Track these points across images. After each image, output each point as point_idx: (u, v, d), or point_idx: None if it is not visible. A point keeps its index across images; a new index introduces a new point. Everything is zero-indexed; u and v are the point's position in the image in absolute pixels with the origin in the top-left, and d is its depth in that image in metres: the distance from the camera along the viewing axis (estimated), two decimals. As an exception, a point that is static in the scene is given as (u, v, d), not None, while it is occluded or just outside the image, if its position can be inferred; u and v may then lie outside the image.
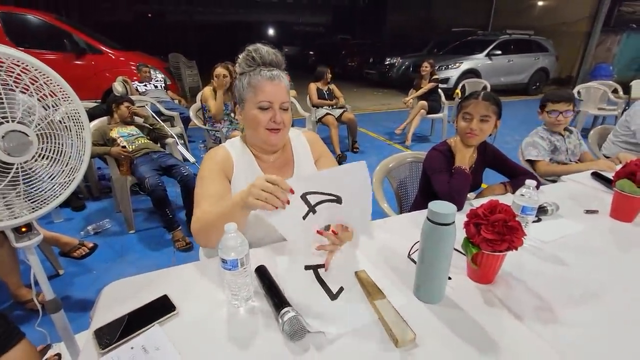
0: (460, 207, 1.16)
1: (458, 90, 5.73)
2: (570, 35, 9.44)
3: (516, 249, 0.73)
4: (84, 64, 4.60)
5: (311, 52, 16.52)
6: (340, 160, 3.64)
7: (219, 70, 2.96)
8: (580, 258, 0.91)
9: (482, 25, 10.97)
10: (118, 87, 3.77)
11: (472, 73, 7.99)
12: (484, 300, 0.75)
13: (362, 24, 18.93)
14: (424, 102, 4.39)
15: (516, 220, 0.72)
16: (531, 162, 1.78)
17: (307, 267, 0.85)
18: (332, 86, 4.13)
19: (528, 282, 0.81)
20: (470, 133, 1.28)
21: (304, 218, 0.74)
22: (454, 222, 0.67)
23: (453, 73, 7.90)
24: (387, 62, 10.06)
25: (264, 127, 0.94)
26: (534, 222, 1.09)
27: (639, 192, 1.02)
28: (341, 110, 3.97)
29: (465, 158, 1.28)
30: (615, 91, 5.16)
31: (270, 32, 21.86)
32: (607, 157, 2.15)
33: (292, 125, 3.71)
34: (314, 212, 0.74)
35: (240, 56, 0.94)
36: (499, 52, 8.13)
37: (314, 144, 1.13)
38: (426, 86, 4.50)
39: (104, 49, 4.72)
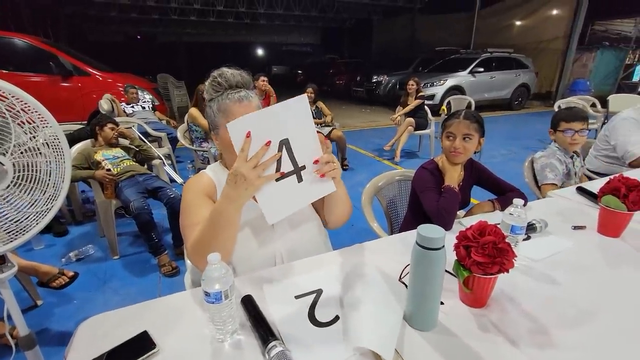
0: (449, 227, 1.16)
1: (444, 107, 5.86)
2: (548, 52, 9.86)
3: (507, 271, 0.72)
4: (70, 86, 4.57)
5: (299, 71, 16.82)
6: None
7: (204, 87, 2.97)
8: (571, 276, 0.91)
9: (464, 44, 11.38)
10: (104, 104, 3.74)
11: (457, 90, 8.22)
12: (477, 326, 0.73)
13: (349, 43, 19.44)
14: (411, 119, 4.47)
15: (506, 242, 0.71)
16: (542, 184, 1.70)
17: (297, 297, 0.82)
18: (320, 104, 4.18)
19: (522, 304, 0.80)
20: (454, 152, 1.29)
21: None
22: (443, 246, 0.66)
23: (438, 90, 8.11)
24: (374, 80, 10.29)
25: None
26: (523, 240, 1.08)
27: (624, 207, 1.03)
28: (330, 128, 4.00)
29: (454, 177, 1.29)
30: (593, 105, 5.36)
31: (259, 52, 22.30)
32: (592, 172, 2.20)
33: None
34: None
35: (206, 82, 0.94)
36: (482, 69, 8.41)
37: None
38: (413, 103, 4.60)
39: (91, 70, 4.70)
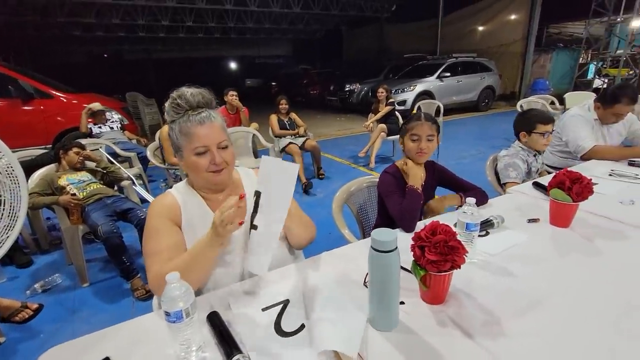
0: (412, 229, 1.20)
1: (415, 112, 6.05)
2: (508, 55, 10.40)
3: (459, 267, 0.76)
4: (32, 109, 4.39)
5: (273, 83, 16.90)
6: (306, 187, 3.66)
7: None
8: (525, 268, 0.96)
9: (431, 50, 11.83)
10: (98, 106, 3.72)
11: (426, 94, 8.50)
12: (436, 322, 0.76)
13: (321, 54, 19.75)
14: (383, 125, 4.58)
15: (457, 240, 0.76)
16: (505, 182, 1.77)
17: (264, 309, 0.83)
18: (293, 116, 4.21)
19: (478, 298, 0.84)
20: (420, 152, 1.36)
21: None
22: (396, 247, 0.69)
23: (409, 95, 8.35)
24: (347, 89, 10.48)
25: (205, 170, 0.92)
26: (481, 236, 1.14)
27: (570, 199, 1.11)
28: (304, 139, 4.03)
29: (417, 177, 1.33)
30: (552, 103, 5.69)
31: (232, 66, 22.26)
32: (549, 167, 2.33)
33: (257, 157, 3.72)
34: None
35: (167, 104, 0.92)
36: (448, 74, 8.76)
37: None
38: (384, 110, 4.72)
39: (55, 93, 4.54)
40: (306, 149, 4.01)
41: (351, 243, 1.29)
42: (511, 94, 10.38)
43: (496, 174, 1.89)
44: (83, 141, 3.26)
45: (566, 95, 5.35)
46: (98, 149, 3.31)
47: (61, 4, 10.32)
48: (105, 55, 18.64)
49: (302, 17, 15.65)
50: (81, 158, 2.32)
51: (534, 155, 1.85)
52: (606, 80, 9.10)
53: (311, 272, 0.99)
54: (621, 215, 1.23)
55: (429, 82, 8.63)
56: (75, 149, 2.31)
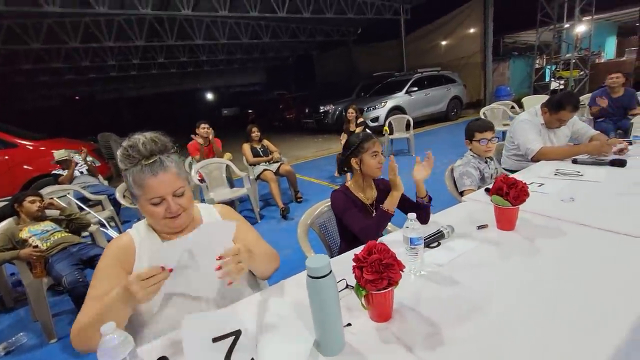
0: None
1: (386, 127, 6.24)
2: (470, 66, 10.97)
3: (396, 283, 0.79)
4: (-5, 160, 4.29)
5: (250, 111, 17.10)
6: (284, 213, 3.66)
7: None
8: (470, 275, 1.00)
9: (398, 68, 12.33)
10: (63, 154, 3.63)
11: (398, 109, 8.79)
12: (381, 340, 0.78)
13: (295, 78, 20.26)
14: (354, 144, 4.69)
15: (391, 257, 0.79)
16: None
17: (215, 339, 0.83)
18: (266, 142, 4.27)
19: (423, 310, 0.87)
20: (381, 166, 1.43)
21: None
22: (330, 272, 0.72)
23: (381, 112, 8.61)
24: (322, 110, 10.71)
25: (162, 218, 0.94)
26: (434, 247, 1.19)
27: (509, 203, 1.18)
28: (278, 164, 4.07)
29: (395, 202, 1.36)
30: (513, 107, 5.99)
31: (208, 97, 22.45)
32: (507, 170, 2.44)
33: (233, 186, 3.69)
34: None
35: (118, 153, 0.92)
36: (416, 88, 9.12)
37: (226, 217, 1.13)
38: (357, 131, 4.86)
39: (19, 141, 4.47)
40: (281, 174, 4.05)
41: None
42: (477, 101, 10.87)
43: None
44: (49, 189, 3.20)
45: (524, 100, 5.67)
46: (66, 195, 3.25)
47: (26, 51, 10.28)
48: (77, 98, 18.48)
49: (273, 46, 16.13)
50: (40, 207, 2.26)
51: (485, 162, 1.95)
52: (562, 82, 9.68)
53: (272, 299, 0.99)
54: (561, 212, 1.31)
55: (399, 98, 8.94)
56: (29, 199, 2.25)
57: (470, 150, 1.97)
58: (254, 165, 4.05)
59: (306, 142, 9.57)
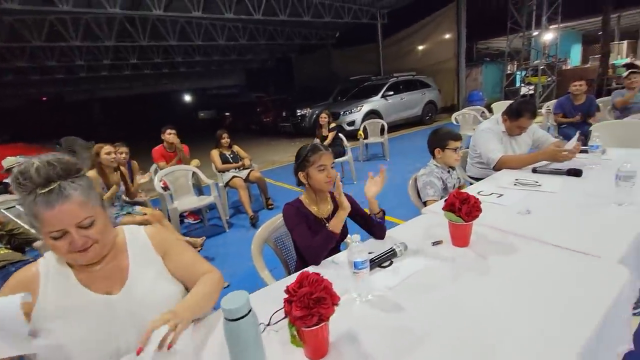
0: (317, 262, 1.19)
1: (360, 132, 6.24)
2: (445, 71, 11.21)
3: (327, 319, 0.72)
4: (-60, 168, 3.94)
5: (227, 113, 16.81)
6: (253, 221, 3.55)
7: (107, 148, 2.78)
8: (417, 299, 0.95)
9: (375, 72, 12.45)
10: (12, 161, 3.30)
11: (374, 113, 8.84)
12: (312, 382, 0.72)
13: (274, 81, 20.11)
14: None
15: (324, 290, 0.72)
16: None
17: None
18: (236, 148, 4.15)
19: (363, 342, 0.80)
20: (330, 181, 1.36)
21: None
22: (249, 311, 0.64)
23: (357, 116, 8.64)
24: (299, 114, 10.65)
25: (67, 253, 0.82)
26: (385, 267, 1.13)
27: (461, 220, 1.14)
28: (248, 171, 3.96)
29: (341, 222, 1.30)
30: (483, 113, 6.12)
31: (185, 99, 21.93)
32: (472, 178, 2.44)
33: (202, 194, 3.53)
34: None
35: (9, 180, 0.82)
36: (392, 92, 9.22)
37: (157, 239, 1.03)
38: (330, 136, 4.82)
39: (-32, 147, 4.14)
40: (251, 181, 3.94)
41: (268, 286, 1.22)
42: (451, 106, 11.11)
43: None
44: (-5, 200, 2.96)
45: (493, 105, 5.80)
46: (14, 207, 3.02)
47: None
48: (44, 99, 17.59)
49: (251, 48, 15.94)
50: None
51: (448, 172, 1.93)
52: (531, 88, 10.03)
53: (211, 326, 0.91)
54: (516, 226, 1.29)
55: (375, 102, 9.01)
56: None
57: (435, 159, 1.95)
58: (223, 172, 3.93)
59: (283, 146, 9.47)
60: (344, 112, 8.77)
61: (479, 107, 6.32)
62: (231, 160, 3.99)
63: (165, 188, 3.53)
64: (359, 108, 8.75)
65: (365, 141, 6.19)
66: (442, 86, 10.80)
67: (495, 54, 13.77)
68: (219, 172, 3.95)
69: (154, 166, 3.97)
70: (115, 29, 9.94)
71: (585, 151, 1.99)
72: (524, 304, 0.88)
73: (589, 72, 10.34)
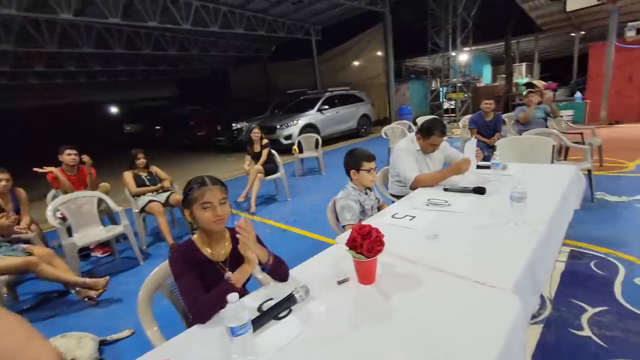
0: (204, 321, 1.01)
1: (295, 147, 6.16)
2: (377, 86, 11.81)
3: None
4: None
5: (158, 127, 15.63)
6: (172, 250, 3.20)
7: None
8: (314, 357, 0.83)
9: (312, 85, 12.63)
10: None
11: (311, 127, 8.89)
12: None
13: (210, 93, 19.33)
14: (259, 167, 4.46)
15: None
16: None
17: None
18: (154, 169, 3.75)
19: None
20: (218, 219, 1.19)
21: None
22: None
23: (294, 129, 8.59)
24: (235, 128, 10.29)
25: None
26: (282, 317, 0.99)
27: (363, 257, 1.06)
28: (167, 194, 3.59)
29: (244, 277, 1.15)
30: (410, 127, 6.46)
31: (108, 111, 19.94)
32: (393, 196, 2.47)
33: (115, 223, 3.07)
34: None
35: None
36: (327, 106, 9.38)
37: None
38: (264, 153, 4.64)
39: None
40: (172, 205, 3.58)
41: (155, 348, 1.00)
42: (384, 119, 11.71)
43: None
44: None
45: (417, 120, 6.16)
46: None
47: None
48: None
49: (183, 58, 15.15)
50: None
51: (366, 193, 1.89)
52: (451, 103, 11.02)
53: None
54: (423, 254, 1.26)
55: (311, 116, 9.07)
56: None
57: (352, 181, 1.90)
58: (138, 196, 3.51)
59: (218, 161, 9.02)
60: (281, 126, 8.67)
61: (405, 121, 6.67)
62: (147, 183, 3.59)
63: (63, 219, 3.02)
64: (295, 122, 8.72)
65: (300, 156, 6.13)
66: (375, 100, 11.34)
67: (421, 72, 14.94)
68: (133, 196, 3.52)
69: (51, 192, 3.41)
70: (14, 32, 8.67)
71: (489, 167, 2.11)
72: (423, 347, 0.81)
73: (498, 89, 11.72)
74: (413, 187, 2.14)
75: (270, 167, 4.64)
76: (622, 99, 7.66)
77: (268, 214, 4.23)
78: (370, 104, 10.64)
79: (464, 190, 1.90)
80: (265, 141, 4.76)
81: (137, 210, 3.45)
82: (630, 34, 7.32)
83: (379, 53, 11.77)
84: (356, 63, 12.81)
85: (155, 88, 19.67)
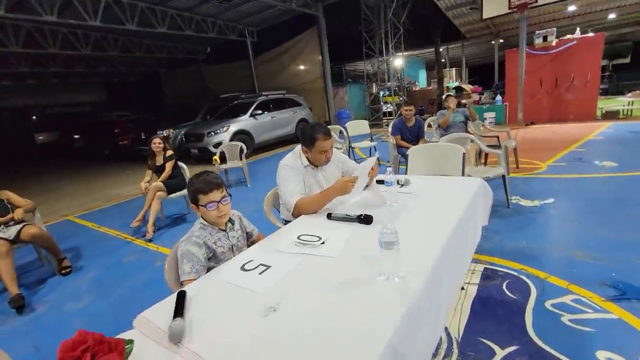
0: None
1: (216, 157, 5.55)
2: (315, 90, 11.54)
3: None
4: None
5: (76, 136, 13.79)
6: (13, 304, 2.42)
7: None
8: None
9: (249, 89, 11.99)
10: None
11: (243, 134, 8.29)
12: None
13: (140, 98, 17.74)
14: (158, 184, 3.81)
15: None
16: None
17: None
18: (7, 195, 2.94)
19: None
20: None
21: None
22: None
23: (224, 136, 7.92)
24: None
25: None
26: None
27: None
28: (19, 227, 2.80)
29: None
30: (341, 132, 6.17)
31: (17, 118, 17.30)
32: (287, 222, 2.03)
33: None
34: None
35: None
36: (260, 111, 8.84)
37: None
38: (167, 167, 3.98)
39: None
40: (24, 240, 2.79)
41: None
42: (325, 122, 11.47)
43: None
44: None
45: (347, 125, 5.91)
46: None
47: None
48: None
49: (105, 59, 13.62)
50: None
51: (224, 229, 1.44)
52: (389, 106, 11.11)
53: None
54: (246, 342, 0.81)
55: (244, 121, 8.47)
56: None
57: (200, 219, 1.43)
58: (-26, 233, 2.69)
59: (140, 174, 7.99)
60: (209, 133, 7.96)
61: (337, 126, 6.37)
62: (-8, 214, 2.78)
63: None
64: (225, 128, 8.06)
65: (223, 166, 5.53)
66: (314, 104, 11.05)
67: (360, 76, 15.05)
68: (-32, 233, 2.69)
69: None
70: None
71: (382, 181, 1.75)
72: None
73: (432, 92, 12.11)
74: (295, 215, 1.72)
75: (176, 183, 3.99)
76: (535, 101, 8.18)
77: (172, 240, 3.54)
78: (309, 108, 10.31)
79: (348, 218, 1.51)
80: (169, 152, 4.11)
81: (-29, 252, 2.62)
82: (538, 41, 7.85)
83: (316, 57, 11.53)
84: (294, 66, 12.44)
85: (75, 91, 17.52)
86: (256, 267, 1.20)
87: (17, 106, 16.35)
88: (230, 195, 1.44)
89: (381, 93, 11.80)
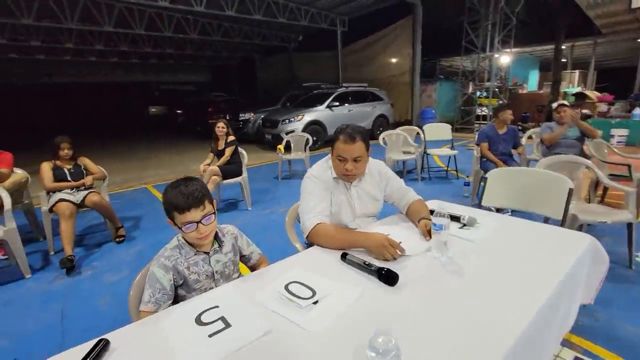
0: None
1: (281, 146, 5.47)
2: (400, 85, 10.73)
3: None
4: None
5: (179, 111, 15.55)
6: (64, 264, 2.61)
7: None
8: None
9: (334, 79, 11.80)
10: None
11: (317, 124, 8.16)
12: None
13: (238, 81, 19.18)
14: (214, 168, 3.81)
15: None
16: None
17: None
18: (84, 161, 3.22)
19: None
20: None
21: None
22: None
23: (297, 125, 7.89)
24: (242, 118, 9.78)
25: None
26: None
27: None
28: (86, 192, 3.04)
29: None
30: (418, 134, 5.47)
31: (137, 92, 20.42)
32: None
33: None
34: None
35: None
36: (338, 103, 8.55)
37: None
38: (227, 152, 4.00)
39: None
40: (87, 206, 3.02)
41: None
42: (405, 121, 10.63)
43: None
44: None
45: (425, 127, 5.21)
46: None
47: None
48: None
49: (209, 44, 14.95)
50: None
51: (208, 253, 1.16)
52: (483, 109, 9.71)
53: None
54: None
55: (319, 112, 8.30)
56: None
57: (179, 235, 1.17)
58: (53, 192, 2.99)
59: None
60: (283, 120, 8.00)
61: (413, 127, 5.69)
62: (69, 178, 3.06)
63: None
64: (299, 117, 8.01)
65: (286, 157, 5.42)
66: (397, 100, 10.31)
67: (454, 72, 13.56)
68: (47, 191, 3.01)
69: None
70: (78, 10, 8.74)
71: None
72: None
73: (542, 97, 10.20)
74: (310, 241, 1.36)
75: (232, 169, 3.98)
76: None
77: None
78: (390, 104, 9.64)
79: (366, 267, 1.09)
80: (231, 138, 4.11)
81: (46, 208, 2.94)
82: None
83: (406, 49, 10.66)
84: (382, 58, 11.76)
85: (186, 72, 19.82)
86: (213, 322, 0.88)
87: (142, 80, 19.24)
88: (215, 212, 1.12)
89: (477, 94, 10.38)
